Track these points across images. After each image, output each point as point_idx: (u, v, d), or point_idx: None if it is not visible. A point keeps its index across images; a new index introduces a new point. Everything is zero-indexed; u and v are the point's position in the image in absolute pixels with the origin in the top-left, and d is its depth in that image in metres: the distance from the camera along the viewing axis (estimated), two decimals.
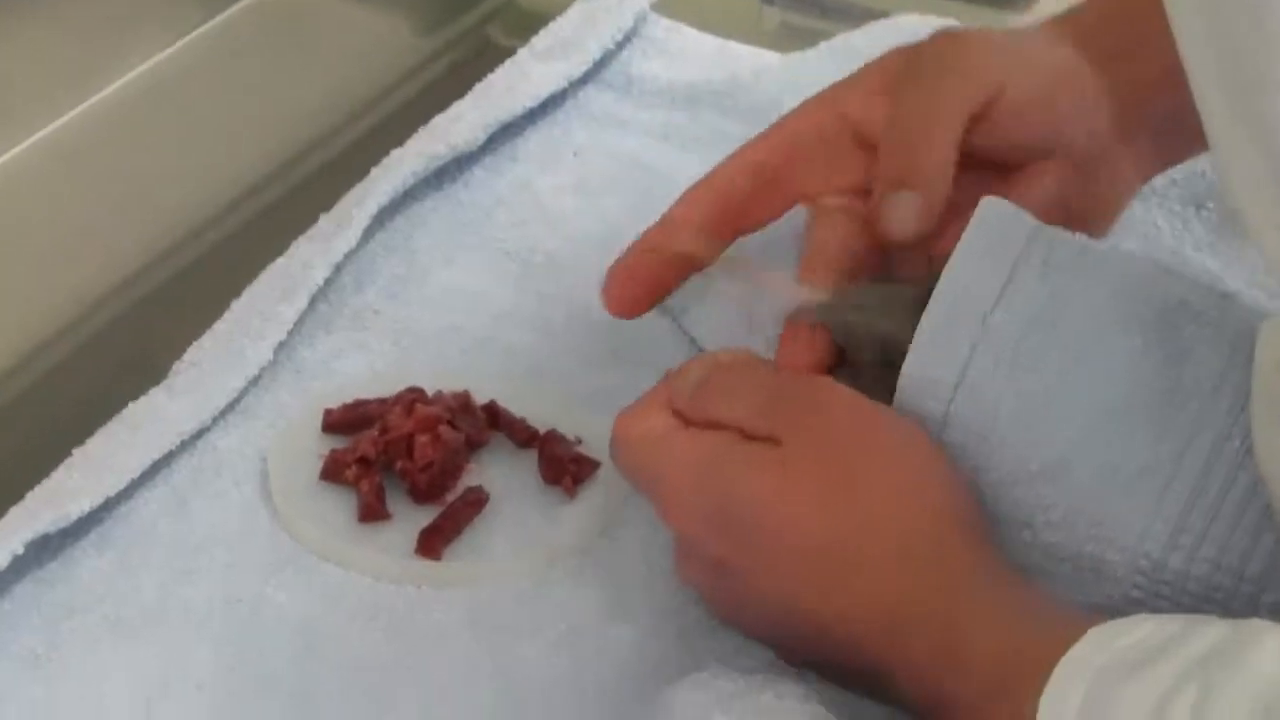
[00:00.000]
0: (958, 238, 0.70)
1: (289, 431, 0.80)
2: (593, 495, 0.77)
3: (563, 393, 0.82)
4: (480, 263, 0.90)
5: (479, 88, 0.98)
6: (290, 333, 0.83)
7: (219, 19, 1.06)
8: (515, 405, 0.81)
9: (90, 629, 0.71)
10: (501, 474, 0.78)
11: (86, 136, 0.98)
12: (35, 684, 0.70)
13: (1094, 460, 0.67)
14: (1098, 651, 0.57)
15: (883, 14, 1.04)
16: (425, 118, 0.96)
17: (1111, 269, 0.69)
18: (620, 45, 1.02)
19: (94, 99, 0.99)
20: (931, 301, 0.68)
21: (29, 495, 0.74)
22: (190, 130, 1.00)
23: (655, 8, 1.05)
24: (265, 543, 0.75)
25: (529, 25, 1.04)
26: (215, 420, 0.80)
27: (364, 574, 0.74)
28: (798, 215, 0.82)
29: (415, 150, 0.92)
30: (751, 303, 0.74)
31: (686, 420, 0.70)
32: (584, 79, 1.00)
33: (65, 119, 0.98)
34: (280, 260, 0.87)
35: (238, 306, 0.84)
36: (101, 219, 0.94)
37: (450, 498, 0.76)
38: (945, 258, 0.70)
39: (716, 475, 0.68)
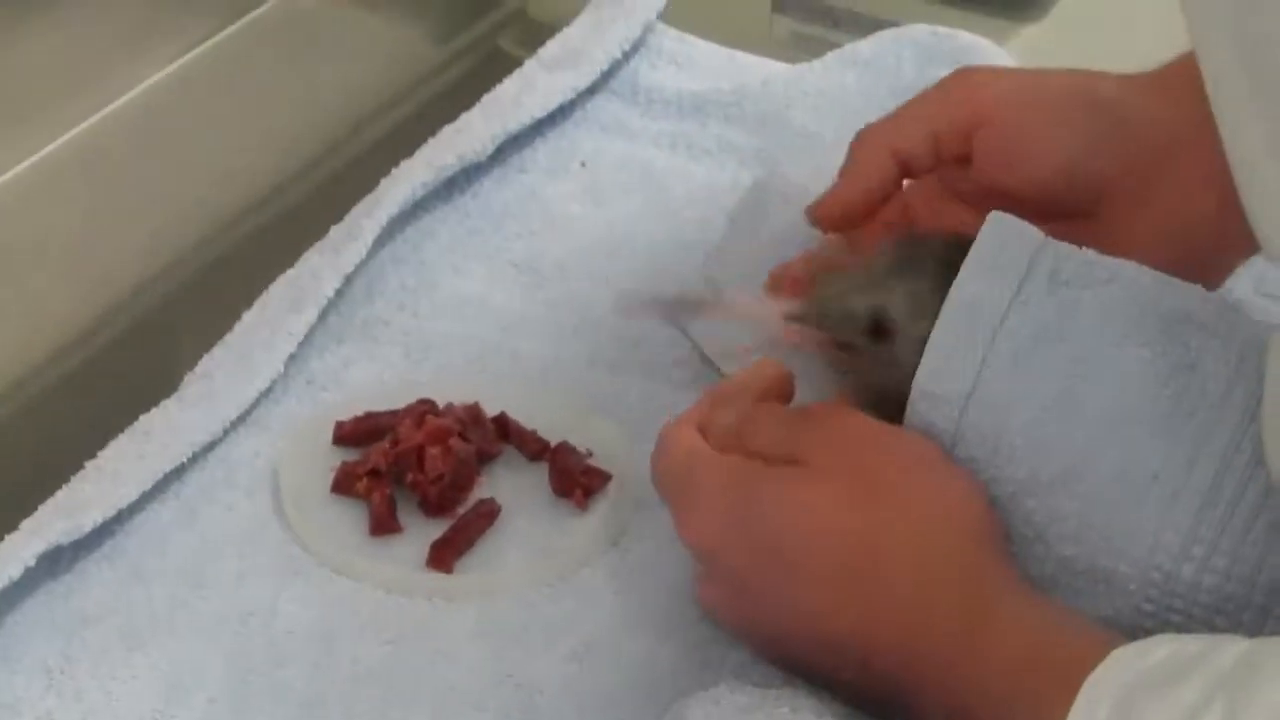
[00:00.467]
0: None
1: (300, 443, 0.80)
2: (604, 507, 0.77)
3: (573, 403, 0.82)
4: (489, 273, 0.90)
5: (487, 98, 0.98)
6: (301, 344, 0.84)
7: (229, 30, 1.06)
8: (525, 416, 0.81)
9: (102, 640, 0.72)
10: (512, 486, 0.78)
11: (95, 148, 0.98)
12: (48, 695, 0.70)
13: (1104, 470, 0.67)
14: (1122, 672, 0.57)
15: (892, 24, 1.05)
16: (436, 127, 0.96)
17: (1118, 281, 0.69)
18: (628, 55, 1.03)
19: (104, 111, 0.99)
20: (941, 315, 0.69)
21: (41, 507, 0.75)
22: (200, 141, 1.01)
23: (664, 17, 1.05)
24: (276, 554, 0.76)
25: (538, 35, 1.04)
26: (227, 431, 0.80)
27: (375, 586, 0.74)
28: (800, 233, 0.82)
29: (424, 161, 0.92)
30: (752, 317, 0.74)
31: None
32: (592, 89, 1.00)
33: (77, 130, 0.98)
34: (290, 271, 0.87)
35: (249, 318, 0.85)
36: (113, 230, 0.95)
37: (461, 510, 0.77)
38: (903, 228, 0.72)
39: (739, 490, 0.68)
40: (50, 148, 0.97)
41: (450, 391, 0.81)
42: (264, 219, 0.97)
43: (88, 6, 0.99)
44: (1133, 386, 0.67)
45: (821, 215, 0.81)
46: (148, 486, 0.76)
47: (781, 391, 0.74)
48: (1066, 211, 0.78)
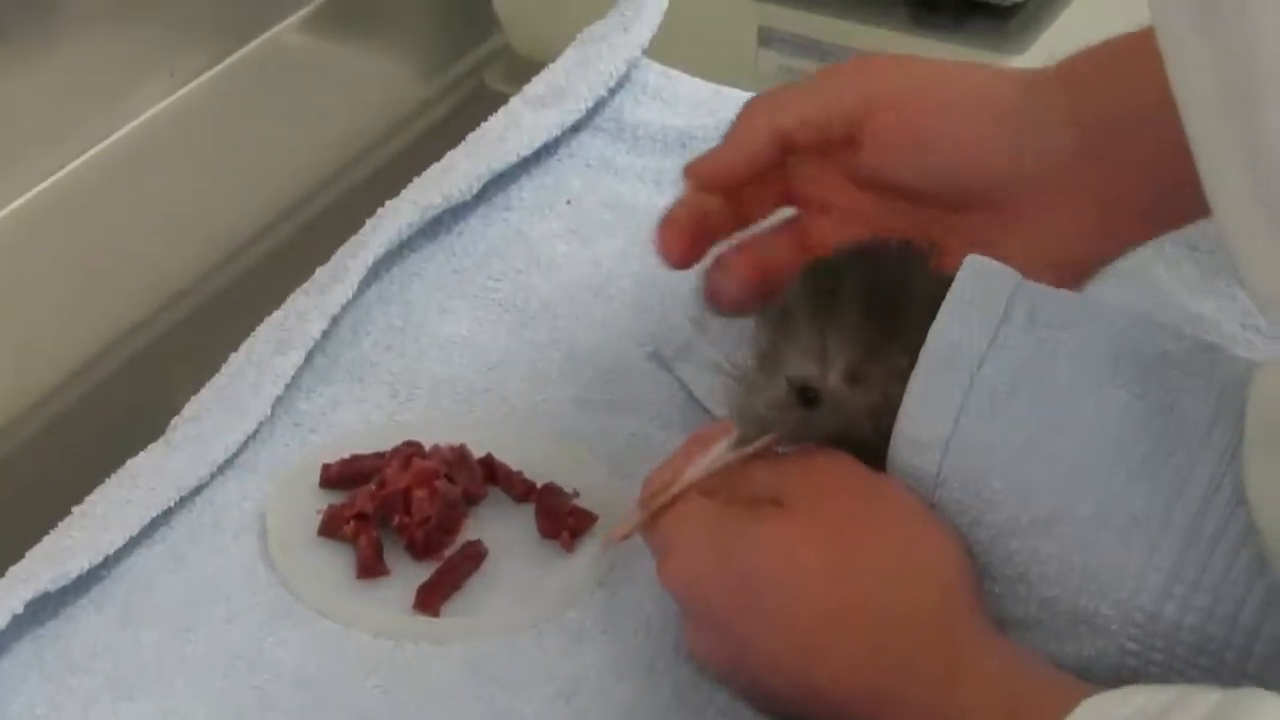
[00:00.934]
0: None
1: (287, 486, 0.80)
2: (591, 549, 0.78)
3: (559, 443, 0.83)
4: (475, 312, 0.90)
5: (472, 136, 0.98)
6: (288, 386, 0.84)
7: (215, 70, 1.06)
8: (512, 456, 0.81)
9: (90, 687, 0.72)
10: (499, 528, 0.78)
11: (80, 190, 0.98)
12: None
13: (1085, 511, 0.67)
14: None
15: None
16: (422, 163, 0.96)
17: (1097, 322, 0.70)
18: (613, 91, 1.03)
19: (88, 153, 1.00)
20: (920, 358, 0.69)
21: (28, 554, 0.75)
22: (185, 182, 1.01)
23: (649, 53, 1.05)
24: (264, 598, 0.76)
25: (523, 71, 1.04)
26: (214, 475, 0.80)
27: (363, 630, 0.74)
28: None
29: (409, 201, 0.92)
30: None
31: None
32: (577, 126, 1.01)
33: (62, 171, 0.99)
34: (277, 313, 0.87)
35: (235, 360, 0.85)
36: (97, 272, 0.95)
37: (448, 552, 0.77)
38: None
39: (719, 534, 0.68)
40: (36, 189, 0.97)
41: (437, 433, 0.81)
42: (250, 260, 0.97)
43: (78, 43, 0.99)
44: (1112, 428, 0.67)
45: (697, 173, 0.81)
46: (135, 532, 0.76)
47: None
48: (951, 205, 0.78)
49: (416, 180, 0.95)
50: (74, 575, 0.74)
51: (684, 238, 0.81)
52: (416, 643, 0.74)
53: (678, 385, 0.87)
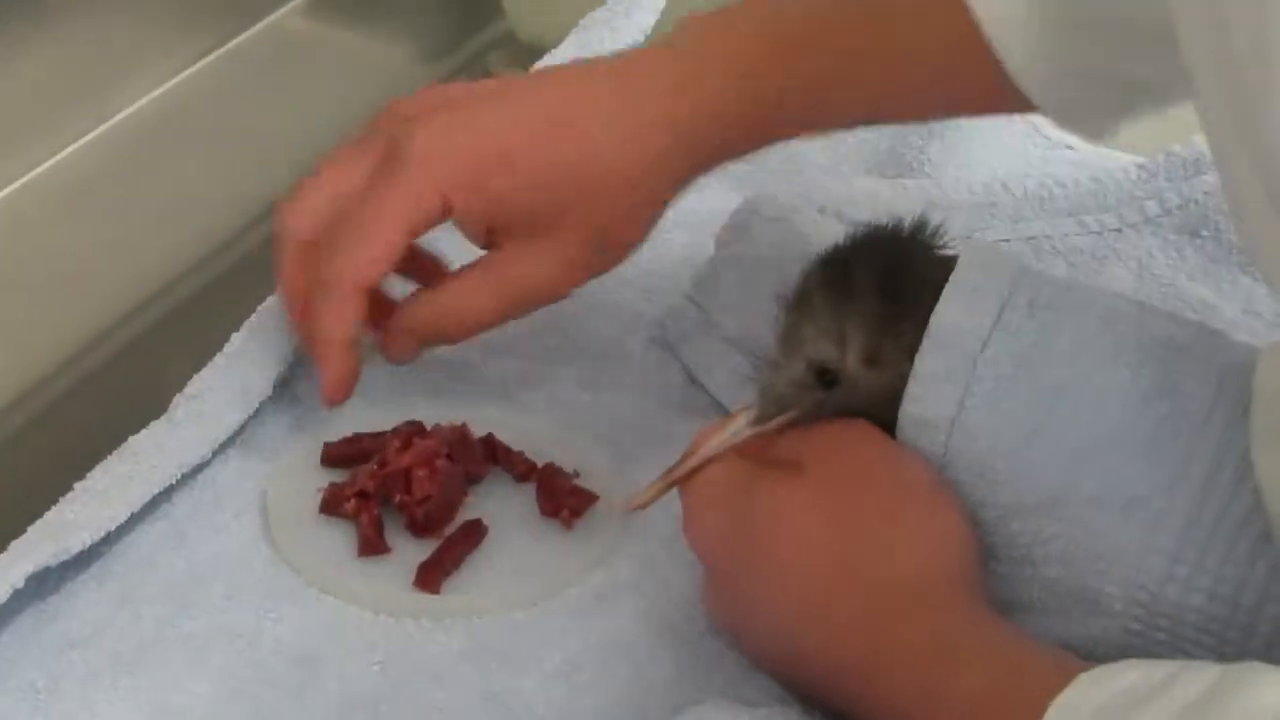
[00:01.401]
0: None
1: (288, 465, 0.80)
2: (590, 528, 0.78)
3: (561, 423, 0.83)
4: None
5: None
6: (289, 365, 0.84)
7: (219, 52, 1.06)
8: (513, 436, 0.81)
9: (90, 662, 0.72)
10: (500, 507, 0.78)
11: (83, 171, 0.98)
12: (35, 717, 0.70)
13: (1087, 492, 0.67)
14: (1088, 696, 0.57)
15: None
16: None
17: (1097, 306, 0.70)
18: None
19: (92, 133, 1.00)
20: (923, 344, 0.69)
21: (29, 529, 0.74)
22: (189, 164, 1.01)
23: (652, 39, 1.05)
24: (264, 576, 0.76)
25: (526, 57, 1.04)
26: (215, 453, 0.80)
27: (363, 607, 0.74)
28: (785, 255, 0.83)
29: None
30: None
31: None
32: None
33: (65, 152, 0.98)
34: (278, 293, 0.87)
35: (237, 339, 0.84)
36: (101, 252, 0.95)
37: (449, 530, 0.77)
38: None
39: (738, 493, 0.69)
40: (37, 170, 0.97)
41: (438, 413, 0.81)
42: (253, 240, 0.97)
43: (75, 29, 0.99)
44: (1114, 410, 0.67)
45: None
46: (136, 508, 0.76)
47: None
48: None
49: None
50: (75, 550, 0.74)
51: (349, 389, 0.80)
52: (417, 620, 0.74)
53: (679, 367, 0.87)
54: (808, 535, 0.67)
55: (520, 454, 0.80)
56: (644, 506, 0.73)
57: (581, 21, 1.06)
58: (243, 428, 0.82)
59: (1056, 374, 0.68)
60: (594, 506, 0.78)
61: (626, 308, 0.90)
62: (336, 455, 0.80)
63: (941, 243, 0.72)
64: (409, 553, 0.76)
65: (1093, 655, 0.67)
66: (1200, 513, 0.66)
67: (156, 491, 0.77)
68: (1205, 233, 0.93)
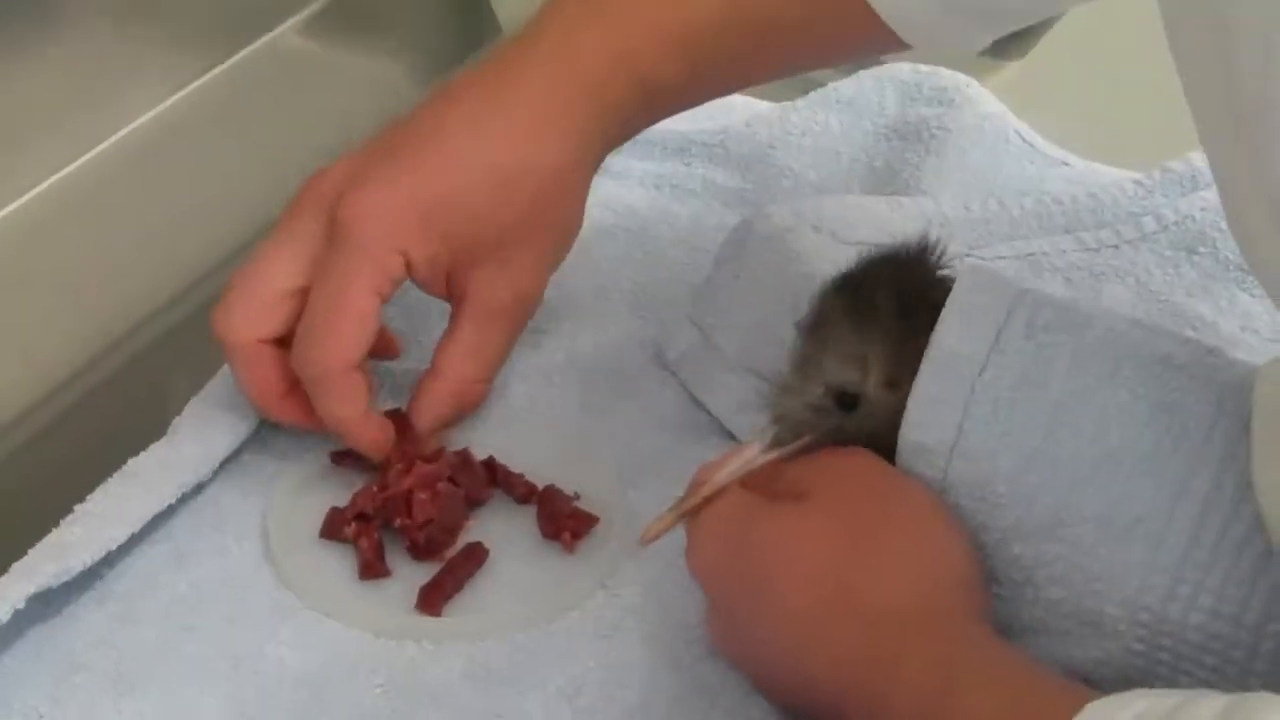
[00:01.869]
0: None
1: (289, 486, 0.80)
2: (591, 550, 0.78)
3: (562, 446, 0.83)
4: None
5: None
6: None
7: (219, 69, 1.06)
8: (514, 458, 0.81)
9: (92, 685, 0.72)
10: (501, 529, 0.79)
11: (84, 187, 0.98)
12: None
13: (1089, 513, 0.67)
14: None
15: (875, 62, 1.05)
16: None
17: (1095, 326, 0.70)
18: None
19: (94, 150, 0.99)
20: (921, 367, 0.69)
21: (31, 550, 0.75)
22: (190, 180, 1.01)
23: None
24: (266, 598, 0.76)
25: None
26: (216, 474, 0.80)
27: (364, 630, 0.74)
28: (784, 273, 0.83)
29: None
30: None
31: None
32: None
33: (66, 169, 0.98)
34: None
35: None
36: (102, 270, 0.95)
37: (450, 553, 0.77)
38: None
39: (740, 522, 0.69)
40: (39, 187, 0.97)
41: (440, 435, 0.82)
42: None
43: (77, 45, 0.99)
44: (1113, 430, 0.68)
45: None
46: (137, 529, 0.77)
47: None
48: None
49: None
50: (76, 571, 0.74)
51: (388, 444, 0.80)
52: (418, 642, 0.74)
53: (679, 387, 0.87)
54: (809, 565, 0.67)
55: (521, 476, 0.80)
56: (655, 539, 0.73)
57: None
58: (243, 448, 0.82)
59: (1055, 395, 0.69)
60: (595, 529, 0.78)
61: (625, 328, 0.90)
62: (345, 456, 0.81)
63: (946, 264, 0.73)
64: (410, 575, 0.76)
65: (1095, 677, 0.67)
66: (1202, 531, 0.66)
67: (157, 512, 0.77)
68: (1202, 249, 0.94)
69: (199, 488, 0.80)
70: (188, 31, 1.06)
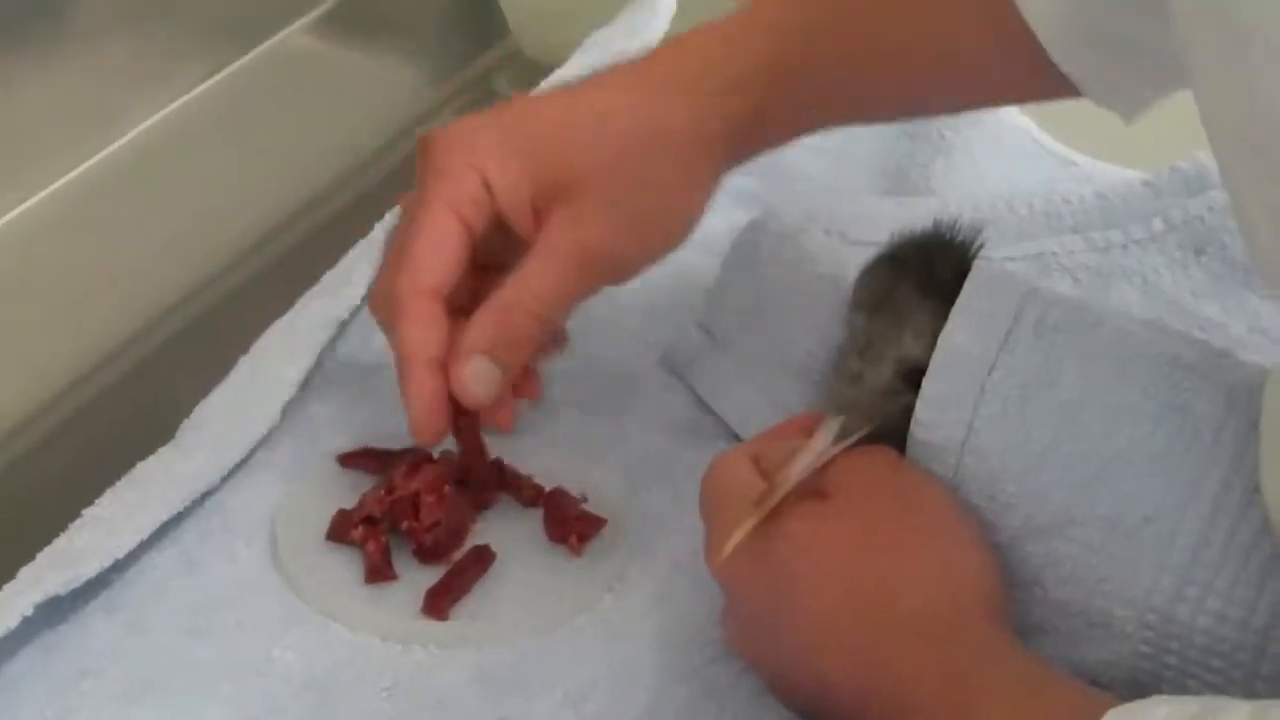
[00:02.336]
0: None
1: (296, 491, 0.80)
2: (599, 553, 0.78)
3: (568, 449, 0.83)
4: None
5: None
6: (297, 390, 0.84)
7: (224, 74, 1.06)
8: (520, 460, 0.81)
9: (101, 692, 0.72)
10: (508, 532, 0.78)
11: (89, 194, 0.98)
12: None
13: (1098, 513, 0.67)
14: None
15: None
16: None
17: (1105, 326, 0.70)
18: None
19: (97, 156, 0.99)
20: (931, 367, 0.69)
21: (38, 556, 0.75)
22: (195, 186, 1.01)
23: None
24: (274, 603, 0.76)
25: (533, 76, 1.04)
26: (224, 479, 0.80)
27: (371, 634, 0.74)
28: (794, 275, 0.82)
29: None
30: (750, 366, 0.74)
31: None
32: None
33: (70, 175, 0.98)
34: (286, 317, 0.87)
35: (244, 364, 0.85)
36: (107, 276, 0.95)
37: (457, 556, 0.77)
38: None
39: (763, 523, 0.68)
40: (44, 193, 0.97)
41: (446, 439, 0.81)
42: (259, 264, 0.97)
43: (83, 50, 0.99)
44: (1123, 430, 0.68)
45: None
46: (145, 535, 0.76)
47: None
48: None
49: None
50: (84, 579, 0.74)
51: (439, 417, 0.77)
52: (425, 646, 0.74)
53: (688, 391, 0.87)
54: (829, 566, 0.67)
55: (528, 479, 0.80)
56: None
57: (586, 40, 1.06)
58: (250, 453, 0.82)
59: (1065, 395, 0.68)
60: (602, 532, 0.78)
61: (633, 330, 0.90)
62: (352, 458, 0.81)
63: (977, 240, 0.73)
64: (417, 579, 0.76)
65: (1104, 679, 0.67)
66: (1211, 533, 0.66)
67: (165, 519, 0.77)
68: (1210, 249, 0.93)
69: (207, 493, 0.80)
70: (193, 35, 1.06)
